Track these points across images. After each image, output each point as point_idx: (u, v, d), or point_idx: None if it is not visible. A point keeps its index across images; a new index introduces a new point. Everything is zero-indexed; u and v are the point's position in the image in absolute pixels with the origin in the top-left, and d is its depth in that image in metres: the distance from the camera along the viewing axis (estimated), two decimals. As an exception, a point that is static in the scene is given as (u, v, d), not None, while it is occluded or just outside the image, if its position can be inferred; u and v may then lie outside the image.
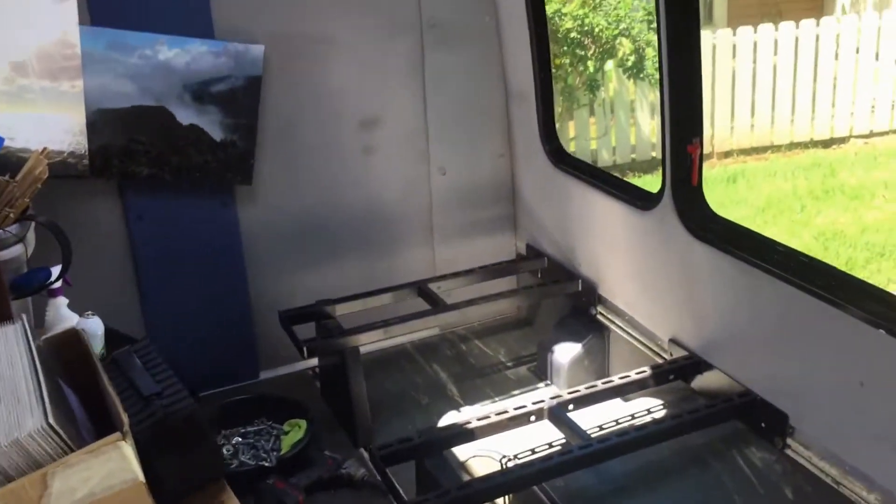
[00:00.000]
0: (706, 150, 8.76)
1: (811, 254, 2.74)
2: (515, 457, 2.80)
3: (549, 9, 8.26)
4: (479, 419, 2.83)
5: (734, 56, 8.86)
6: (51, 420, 1.26)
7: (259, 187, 3.63)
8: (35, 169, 2.66)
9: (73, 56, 3.11)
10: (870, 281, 2.61)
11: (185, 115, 3.35)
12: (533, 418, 2.89)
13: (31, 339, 1.46)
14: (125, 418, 1.35)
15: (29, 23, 3.03)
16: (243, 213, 3.65)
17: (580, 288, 3.72)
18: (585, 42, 8.48)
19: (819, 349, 2.54)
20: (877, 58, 9.08)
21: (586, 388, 3.00)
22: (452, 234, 4.09)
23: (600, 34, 8.44)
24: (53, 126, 3.15)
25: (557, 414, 2.86)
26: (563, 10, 8.41)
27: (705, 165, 3.01)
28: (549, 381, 3.75)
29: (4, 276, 2.28)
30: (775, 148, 9.07)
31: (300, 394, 3.55)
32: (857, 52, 9.01)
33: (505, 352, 4.06)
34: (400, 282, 3.79)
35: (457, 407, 3.62)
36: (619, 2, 8.53)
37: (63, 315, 2.76)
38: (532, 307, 4.21)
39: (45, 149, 2.81)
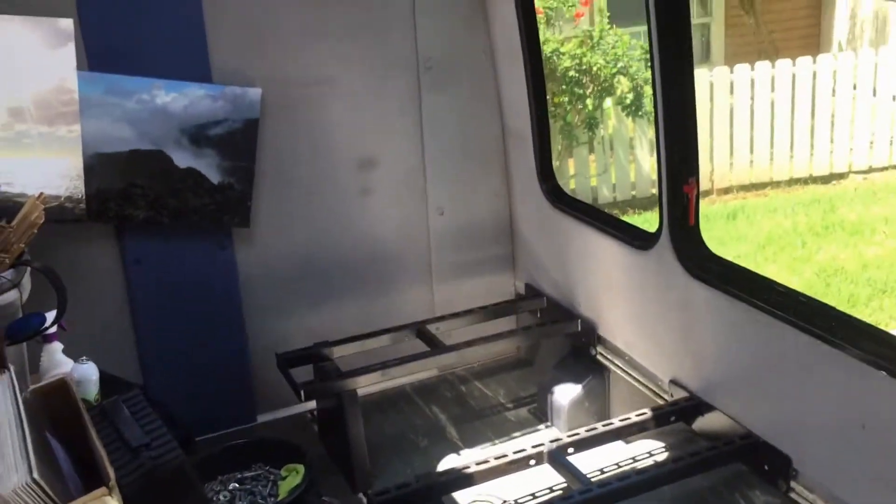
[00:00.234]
0: (706, 186, 8.85)
1: (813, 291, 2.73)
2: (515, 502, 2.76)
3: (548, 48, 8.38)
4: (477, 464, 2.79)
5: (732, 93, 8.92)
6: (35, 475, 1.24)
7: (257, 229, 3.63)
8: (31, 214, 2.65)
9: (71, 101, 3.13)
10: (872, 318, 2.59)
11: (183, 159, 3.37)
12: (532, 462, 2.85)
13: (17, 391, 1.44)
14: (111, 472, 1.33)
15: (26, 69, 3.05)
16: (241, 256, 3.65)
17: (580, 328, 3.70)
18: (584, 80, 8.55)
19: (820, 391, 2.51)
20: (874, 93, 9.14)
21: (586, 430, 2.97)
22: (451, 275, 4.08)
23: (598, 73, 8.51)
24: (51, 171, 3.16)
25: (557, 458, 2.83)
26: (562, 50, 8.50)
27: (705, 202, 3.01)
28: (549, 423, 3.71)
29: (-1, 322, 2.27)
30: (774, 184, 9.10)
31: (298, 437, 3.50)
32: (855, 88, 9.07)
33: (505, 393, 4.03)
34: (398, 323, 3.77)
35: (456, 449, 3.58)
36: (616, 41, 8.63)
37: (58, 360, 2.73)
38: (532, 347, 4.18)
39: (41, 194, 2.80)
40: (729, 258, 3.07)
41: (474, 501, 2.81)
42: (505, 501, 2.76)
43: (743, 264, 3.02)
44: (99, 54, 3.19)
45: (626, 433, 3.04)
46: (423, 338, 3.69)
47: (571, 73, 8.46)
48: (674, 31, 2.79)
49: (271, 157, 3.58)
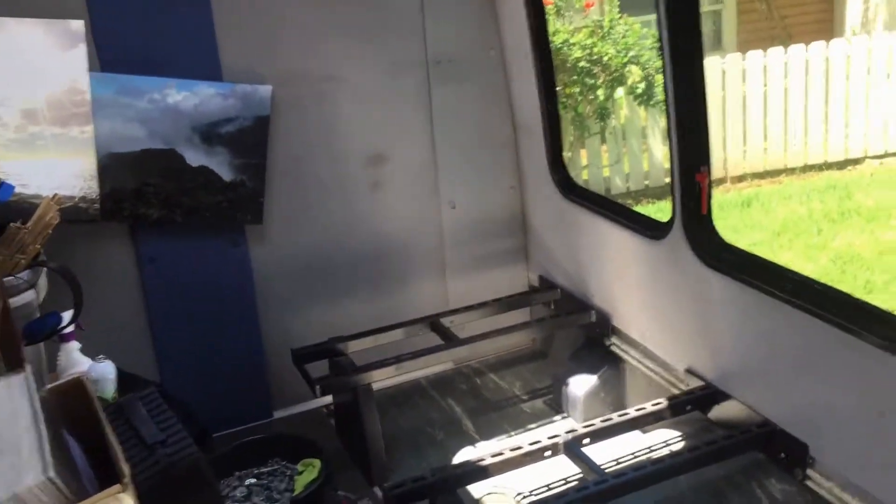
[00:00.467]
0: (720, 174, 8.81)
1: (828, 278, 2.72)
2: (531, 493, 2.76)
3: (558, 39, 8.34)
4: (493, 456, 2.80)
5: (744, 80, 8.86)
6: (51, 473, 1.25)
7: (269, 226, 3.64)
8: (46, 215, 2.67)
9: (83, 102, 3.15)
10: (890, 304, 2.57)
11: (195, 157, 3.38)
12: (548, 453, 2.85)
13: (34, 389, 1.45)
14: (126, 469, 1.34)
15: (39, 71, 3.07)
16: (254, 252, 3.66)
17: (594, 319, 3.69)
18: (595, 71, 8.52)
19: (837, 378, 2.50)
20: (888, 77, 9.05)
21: (602, 421, 2.96)
22: (464, 268, 4.08)
23: (609, 62, 8.47)
24: (64, 172, 3.19)
25: (573, 449, 2.83)
26: (572, 41, 8.47)
27: (719, 190, 3.00)
28: (565, 414, 3.71)
29: (17, 322, 2.29)
30: (789, 171, 9.03)
31: (314, 432, 3.52)
32: (869, 72, 8.99)
33: (520, 385, 4.03)
34: (412, 317, 3.78)
35: (472, 442, 3.58)
36: (627, 30, 8.59)
37: (75, 359, 2.76)
38: (546, 339, 4.18)
39: (55, 195, 2.83)
40: (744, 246, 3.06)
41: (490, 493, 2.81)
42: (520, 493, 2.77)
43: (758, 252, 3.00)
44: (110, 55, 3.21)
45: (642, 423, 3.03)
46: (438, 331, 3.70)
47: (582, 63, 8.43)
48: (684, 19, 2.77)
49: (283, 154, 3.59)
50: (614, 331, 3.62)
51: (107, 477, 1.45)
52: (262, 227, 3.62)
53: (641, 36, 8.57)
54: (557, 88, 3.86)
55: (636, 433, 3.06)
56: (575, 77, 8.48)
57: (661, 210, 8.14)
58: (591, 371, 3.61)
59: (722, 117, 8.80)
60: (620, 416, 3.00)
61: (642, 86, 8.54)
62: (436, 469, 2.77)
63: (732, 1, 12.00)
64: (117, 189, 3.30)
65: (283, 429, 3.67)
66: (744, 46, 9.95)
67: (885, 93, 9.05)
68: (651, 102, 8.58)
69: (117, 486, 1.28)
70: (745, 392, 2.92)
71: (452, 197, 3.98)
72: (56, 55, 3.10)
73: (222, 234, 3.58)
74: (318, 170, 3.71)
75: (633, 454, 2.92)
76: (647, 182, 9.13)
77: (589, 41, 8.48)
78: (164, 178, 3.36)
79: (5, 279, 2.48)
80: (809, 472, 2.65)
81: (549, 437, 2.86)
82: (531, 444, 2.83)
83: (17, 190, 2.99)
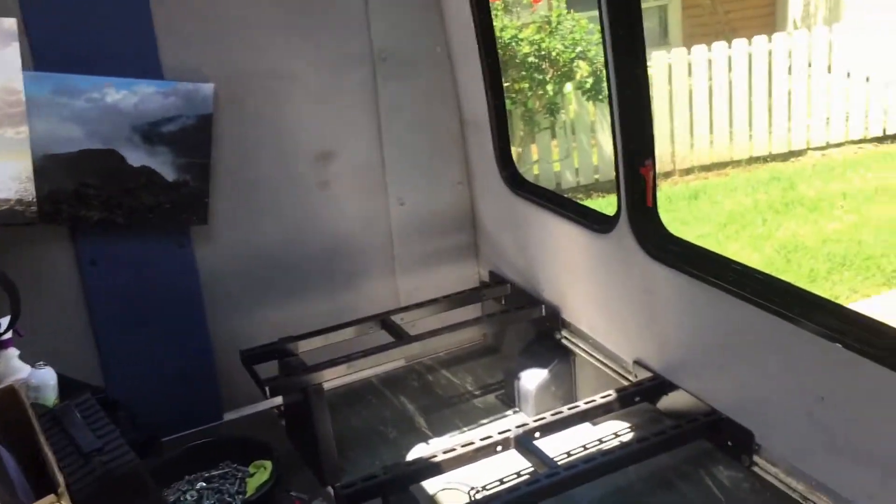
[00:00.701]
0: (668, 167, 8.92)
1: (773, 267, 2.77)
2: (484, 488, 2.77)
3: (506, 35, 8.36)
4: (445, 452, 2.79)
5: (690, 74, 8.99)
6: (-19, 485, 1.21)
7: (215, 226, 3.58)
8: (-21, 219, 2.60)
9: (17, 102, 3.06)
10: (833, 291, 2.63)
11: (136, 157, 3.31)
12: (500, 448, 2.86)
13: (-38, 400, 1.41)
14: (61, 479, 1.31)
15: (-31, 71, 2.98)
16: (200, 253, 3.60)
17: (544, 313, 3.71)
18: (543, 66, 8.56)
19: (779, 365, 2.55)
20: (829, 70, 9.27)
21: (552, 414, 2.98)
22: (414, 265, 4.07)
23: (557, 58, 8.53)
24: (-1, 174, 3.10)
25: (524, 443, 2.84)
26: (520, 36, 8.50)
27: (667, 183, 3.04)
28: (517, 409, 3.73)
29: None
30: (735, 163, 9.20)
31: (265, 434, 3.48)
32: (810, 65, 9.19)
33: (472, 380, 4.03)
34: (364, 315, 3.76)
35: (425, 439, 3.58)
36: (574, 26, 8.65)
37: (14, 367, 2.69)
38: (497, 334, 4.19)
39: (-10, 198, 2.76)
40: (692, 238, 3.10)
41: (443, 489, 2.81)
42: (473, 487, 2.77)
43: (705, 244, 3.05)
44: (45, 54, 3.12)
45: (592, 415, 3.05)
46: (389, 329, 3.68)
47: (531, 59, 8.47)
48: (625, 14, 2.80)
49: (228, 152, 3.53)
50: (564, 324, 3.64)
51: (43, 487, 1.41)
52: (209, 227, 3.56)
53: (588, 31, 8.65)
54: (507, 84, 3.87)
55: (586, 425, 3.08)
56: (524, 72, 8.52)
57: (610, 204, 8.16)
58: (542, 365, 3.63)
59: (669, 111, 8.92)
60: (570, 409, 3.02)
61: (590, 81, 8.61)
62: (388, 467, 2.76)
63: (678, -4, 12.16)
64: (55, 191, 3.21)
65: (234, 431, 3.62)
66: (689, 41, 10.10)
67: (826, 86, 9.26)
68: (599, 97, 8.66)
69: (51, 497, 1.24)
70: (691, 382, 2.96)
71: (401, 194, 3.97)
72: (-13, 54, 3.01)
73: (167, 235, 3.51)
74: (265, 168, 3.66)
75: (583, 446, 2.94)
76: (596, 176, 9.22)
77: (537, 37, 8.52)
78: (104, 178, 3.29)
79: (-63, 286, 2.41)
80: (756, 458, 2.69)
81: (500, 433, 2.87)
82: (482, 439, 2.84)
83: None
